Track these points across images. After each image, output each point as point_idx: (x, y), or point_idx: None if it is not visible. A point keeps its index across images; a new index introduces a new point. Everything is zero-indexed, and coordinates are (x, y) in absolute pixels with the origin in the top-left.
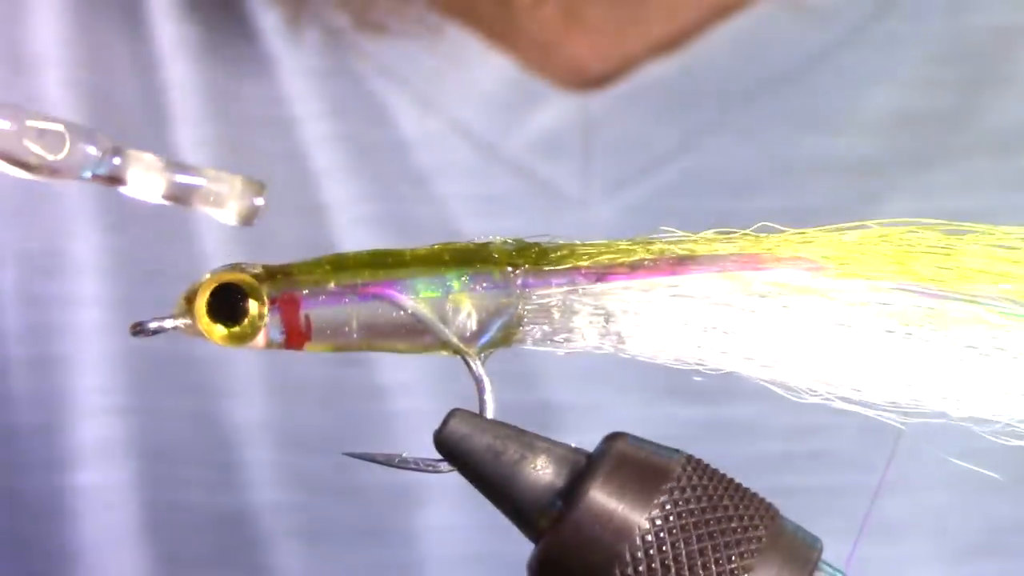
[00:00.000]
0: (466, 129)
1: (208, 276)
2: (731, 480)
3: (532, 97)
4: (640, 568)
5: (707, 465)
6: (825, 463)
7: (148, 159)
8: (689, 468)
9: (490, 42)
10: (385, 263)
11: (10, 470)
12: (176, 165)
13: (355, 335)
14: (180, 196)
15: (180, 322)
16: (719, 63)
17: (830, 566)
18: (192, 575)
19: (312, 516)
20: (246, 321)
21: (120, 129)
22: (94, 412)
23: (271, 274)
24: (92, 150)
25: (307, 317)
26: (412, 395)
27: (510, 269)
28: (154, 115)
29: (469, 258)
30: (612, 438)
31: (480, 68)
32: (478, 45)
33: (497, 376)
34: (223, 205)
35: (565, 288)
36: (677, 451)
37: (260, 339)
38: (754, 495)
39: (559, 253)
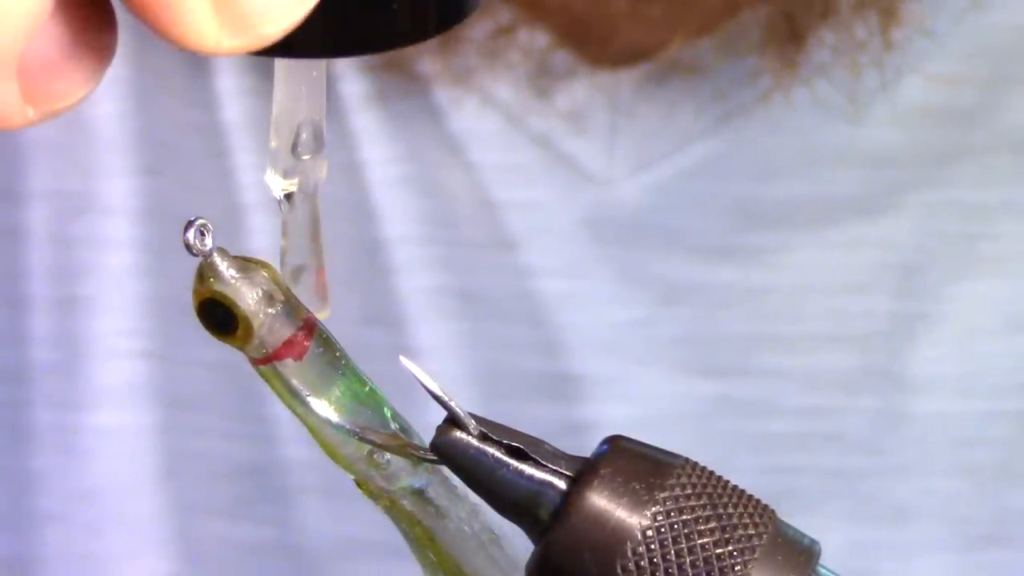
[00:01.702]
0: (496, 99)
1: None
2: (729, 483)
3: (561, 71)
4: (638, 571)
5: (705, 468)
6: (838, 445)
7: None
8: (687, 471)
9: (522, 14)
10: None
11: (29, 407)
12: None
13: None
14: None
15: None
16: (750, 48)
17: (828, 570)
18: (208, 524)
19: (332, 474)
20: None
21: (160, 73)
22: (117, 355)
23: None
24: None
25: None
26: (437, 359)
27: None
28: (196, 61)
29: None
30: (610, 441)
31: (511, 39)
32: (511, 16)
33: (520, 345)
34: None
35: None
36: (675, 455)
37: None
38: (752, 498)
39: None
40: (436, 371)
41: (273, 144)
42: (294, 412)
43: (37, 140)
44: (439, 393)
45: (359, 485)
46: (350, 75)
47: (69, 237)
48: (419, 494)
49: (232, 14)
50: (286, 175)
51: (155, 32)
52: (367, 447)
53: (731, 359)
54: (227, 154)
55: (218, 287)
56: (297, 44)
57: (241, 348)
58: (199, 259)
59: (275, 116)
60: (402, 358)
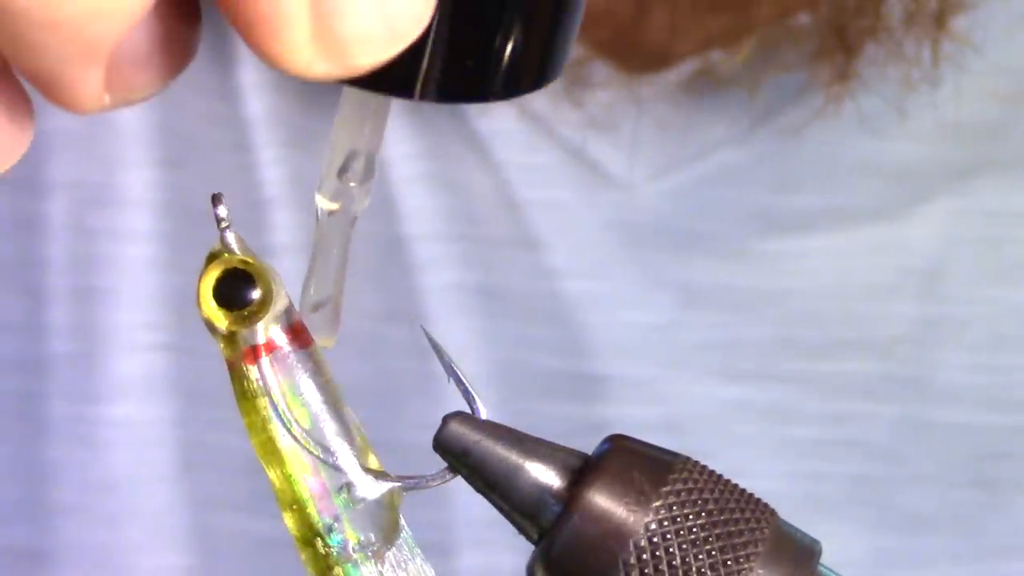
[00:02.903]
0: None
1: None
2: (729, 482)
3: (587, 75)
4: (639, 570)
5: (706, 467)
6: (860, 452)
7: None
8: (688, 470)
9: None
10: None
11: (46, 399)
12: None
13: None
14: None
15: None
16: (796, 62)
17: (829, 569)
18: (225, 517)
19: None
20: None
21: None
22: (136, 347)
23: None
24: None
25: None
26: (458, 356)
27: None
28: (219, 53)
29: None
30: (612, 440)
31: None
32: None
33: (542, 344)
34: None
35: None
36: (676, 454)
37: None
38: (753, 497)
39: None
40: None
41: (325, 166)
42: (264, 434)
43: (58, 131)
44: (456, 369)
45: (304, 545)
46: None
47: (89, 228)
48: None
49: (330, 40)
50: (332, 198)
51: (248, 44)
52: (343, 481)
53: (754, 363)
54: (249, 148)
55: (245, 256)
56: (382, 79)
57: (240, 330)
58: (222, 232)
59: (333, 139)
60: (422, 327)
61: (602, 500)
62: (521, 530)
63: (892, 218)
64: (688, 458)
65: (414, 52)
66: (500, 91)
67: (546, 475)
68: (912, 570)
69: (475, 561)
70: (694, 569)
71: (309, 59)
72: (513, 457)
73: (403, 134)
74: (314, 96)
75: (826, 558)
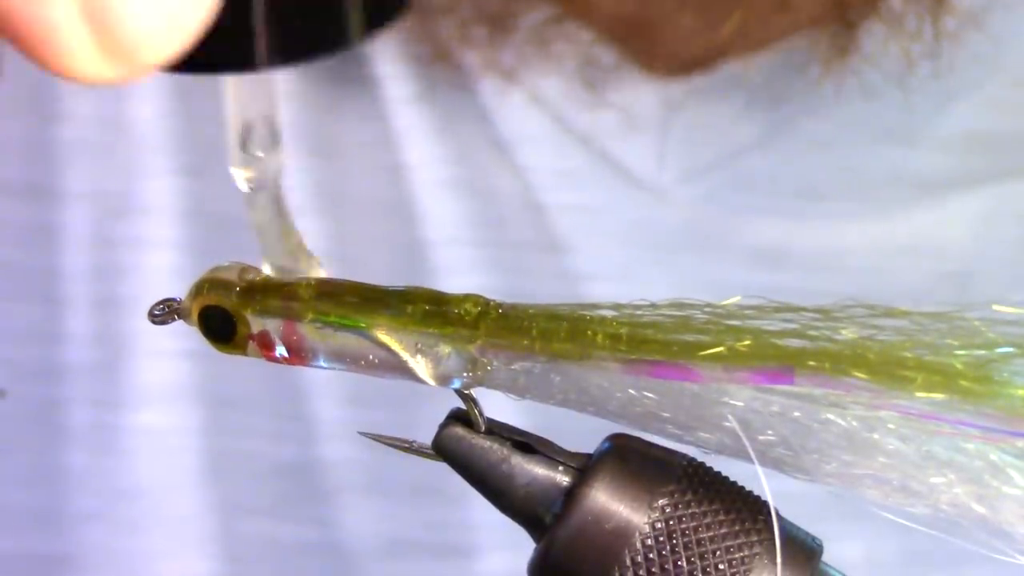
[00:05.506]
0: (547, 103)
1: (197, 290)
2: (730, 481)
3: (614, 77)
4: (640, 570)
5: (707, 466)
6: None
7: None
8: (690, 470)
9: (578, 20)
10: (369, 298)
11: (69, 406)
12: None
13: (342, 364)
14: None
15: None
16: (805, 67)
17: (831, 568)
18: (250, 524)
19: (373, 473)
20: (235, 341)
21: None
22: (159, 355)
23: (250, 292)
24: None
25: (291, 344)
26: None
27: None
28: None
29: (437, 320)
30: (614, 439)
31: (565, 44)
32: (566, 21)
33: None
34: None
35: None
36: (678, 452)
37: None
38: (752, 496)
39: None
40: None
41: (230, 140)
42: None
43: (77, 140)
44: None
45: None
46: (395, 75)
47: (110, 237)
48: None
49: (112, 44)
50: (245, 168)
51: (32, 61)
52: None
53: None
54: None
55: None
56: (200, 61)
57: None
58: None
59: (229, 113)
60: (359, 432)
61: (603, 499)
62: (526, 529)
63: (923, 219)
64: (689, 456)
65: (231, 28)
66: (347, 40)
67: (548, 474)
68: (943, 571)
69: (499, 564)
70: (695, 568)
71: (97, 66)
72: (515, 457)
73: (427, 138)
74: (338, 105)
75: (858, 559)
